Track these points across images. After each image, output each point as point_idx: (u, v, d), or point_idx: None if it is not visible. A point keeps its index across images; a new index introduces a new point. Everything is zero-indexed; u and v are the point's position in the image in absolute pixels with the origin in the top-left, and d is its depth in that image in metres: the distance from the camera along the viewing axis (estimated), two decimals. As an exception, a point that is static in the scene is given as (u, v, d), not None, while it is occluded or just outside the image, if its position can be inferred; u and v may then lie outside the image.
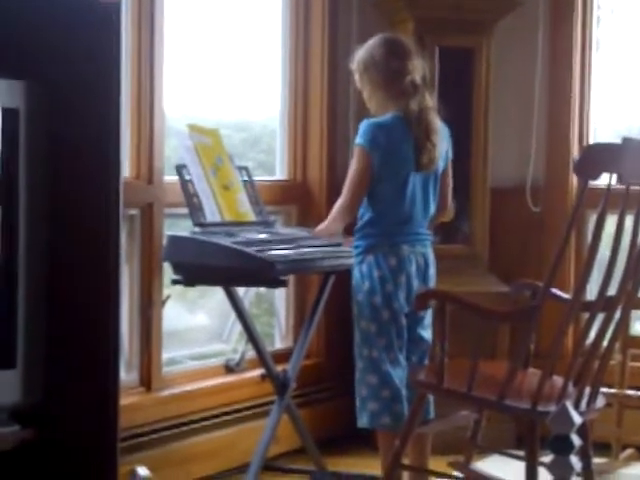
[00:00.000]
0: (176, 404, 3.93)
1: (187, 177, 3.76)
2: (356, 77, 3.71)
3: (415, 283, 3.59)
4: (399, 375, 3.57)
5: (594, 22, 4.75)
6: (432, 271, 3.67)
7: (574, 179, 4.61)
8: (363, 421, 3.61)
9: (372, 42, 3.67)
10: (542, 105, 4.72)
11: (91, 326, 2.73)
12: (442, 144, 3.66)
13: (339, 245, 3.86)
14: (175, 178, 3.78)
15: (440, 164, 3.67)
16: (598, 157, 2.95)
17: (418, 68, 3.62)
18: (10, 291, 2.61)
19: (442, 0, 4.46)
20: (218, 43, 4.38)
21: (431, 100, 3.64)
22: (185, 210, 3.76)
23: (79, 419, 2.73)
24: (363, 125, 3.58)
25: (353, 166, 3.61)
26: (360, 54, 3.67)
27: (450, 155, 3.74)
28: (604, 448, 4.15)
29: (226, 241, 3.59)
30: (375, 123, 3.58)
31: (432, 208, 3.67)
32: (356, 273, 3.60)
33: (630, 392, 4.19)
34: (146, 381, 3.88)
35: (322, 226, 3.71)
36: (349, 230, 3.76)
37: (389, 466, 3.37)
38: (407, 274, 3.57)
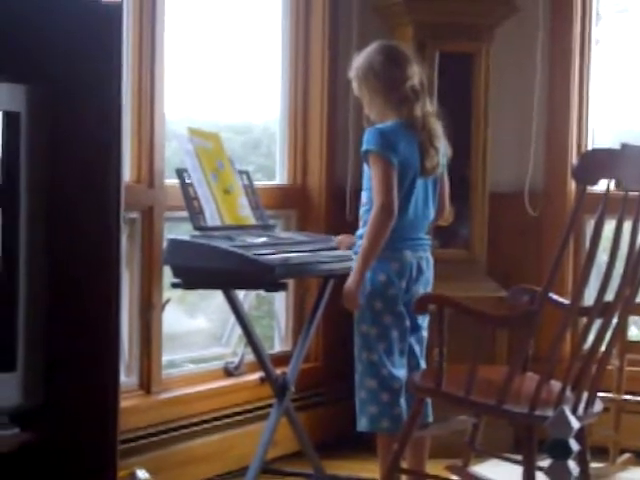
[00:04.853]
0: (175, 407, 3.94)
1: (188, 180, 3.77)
2: (354, 85, 3.66)
3: (415, 287, 3.59)
4: (401, 376, 3.55)
5: (593, 28, 4.76)
6: (431, 276, 3.67)
7: (572, 184, 4.61)
8: (362, 424, 3.61)
9: (370, 50, 3.63)
10: (541, 110, 4.73)
11: (91, 329, 2.73)
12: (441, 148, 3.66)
13: (335, 249, 3.87)
14: (176, 181, 3.79)
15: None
16: (596, 163, 2.96)
17: (416, 74, 3.61)
18: (11, 294, 2.61)
19: (442, 5, 4.47)
20: (219, 46, 4.39)
21: (431, 105, 3.64)
22: (185, 213, 3.76)
23: (79, 422, 2.73)
24: (370, 132, 3.53)
25: (375, 172, 3.48)
26: (358, 62, 3.62)
27: (447, 160, 3.74)
28: (601, 453, 4.16)
29: (226, 245, 3.60)
30: (382, 129, 3.53)
31: (432, 212, 3.67)
32: (358, 277, 3.58)
33: (627, 397, 4.20)
34: (146, 384, 3.89)
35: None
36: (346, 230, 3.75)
37: (387, 469, 3.38)
38: (408, 279, 3.57)
